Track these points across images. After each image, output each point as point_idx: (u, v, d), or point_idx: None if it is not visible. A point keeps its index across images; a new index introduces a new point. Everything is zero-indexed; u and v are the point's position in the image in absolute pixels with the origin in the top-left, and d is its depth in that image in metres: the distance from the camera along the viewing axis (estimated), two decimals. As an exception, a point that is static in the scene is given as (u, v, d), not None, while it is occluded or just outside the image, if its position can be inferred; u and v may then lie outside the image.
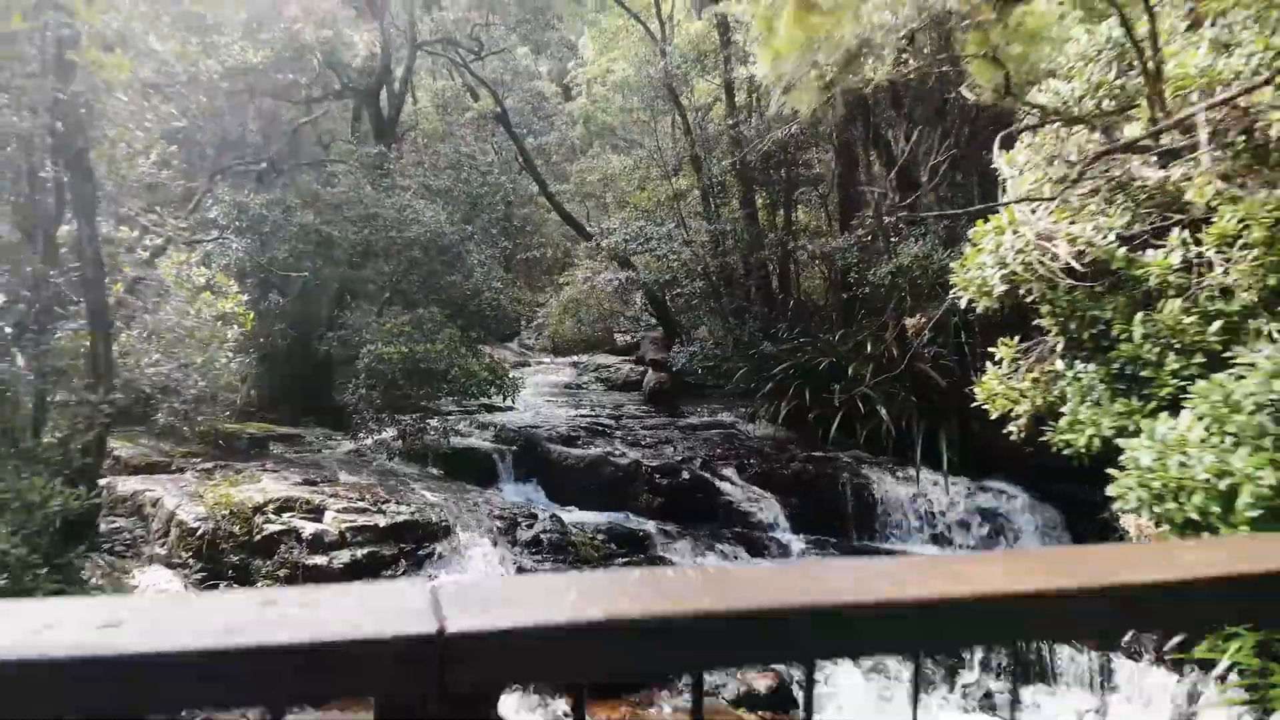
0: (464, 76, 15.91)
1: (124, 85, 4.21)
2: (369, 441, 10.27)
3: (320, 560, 7.67)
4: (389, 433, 10.12)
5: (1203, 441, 2.87)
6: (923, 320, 7.73)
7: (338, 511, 8.13)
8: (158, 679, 0.69)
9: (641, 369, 15.97)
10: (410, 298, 10.89)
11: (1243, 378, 2.85)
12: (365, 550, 7.87)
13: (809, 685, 1.00)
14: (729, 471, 10.71)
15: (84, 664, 0.67)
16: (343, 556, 7.82)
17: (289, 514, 8.00)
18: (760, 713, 6.91)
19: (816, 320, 13.12)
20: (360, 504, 8.39)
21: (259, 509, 7.90)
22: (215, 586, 7.10)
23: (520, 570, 7.96)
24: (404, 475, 9.82)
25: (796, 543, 9.65)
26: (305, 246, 9.99)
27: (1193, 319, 3.28)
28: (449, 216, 11.33)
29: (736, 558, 9.23)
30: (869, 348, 10.57)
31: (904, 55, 3.68)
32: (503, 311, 12.71)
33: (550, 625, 0.75)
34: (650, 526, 9.32)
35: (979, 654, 7.48)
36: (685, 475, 10.17)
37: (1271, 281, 3.17)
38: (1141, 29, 3.42)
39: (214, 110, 5.33)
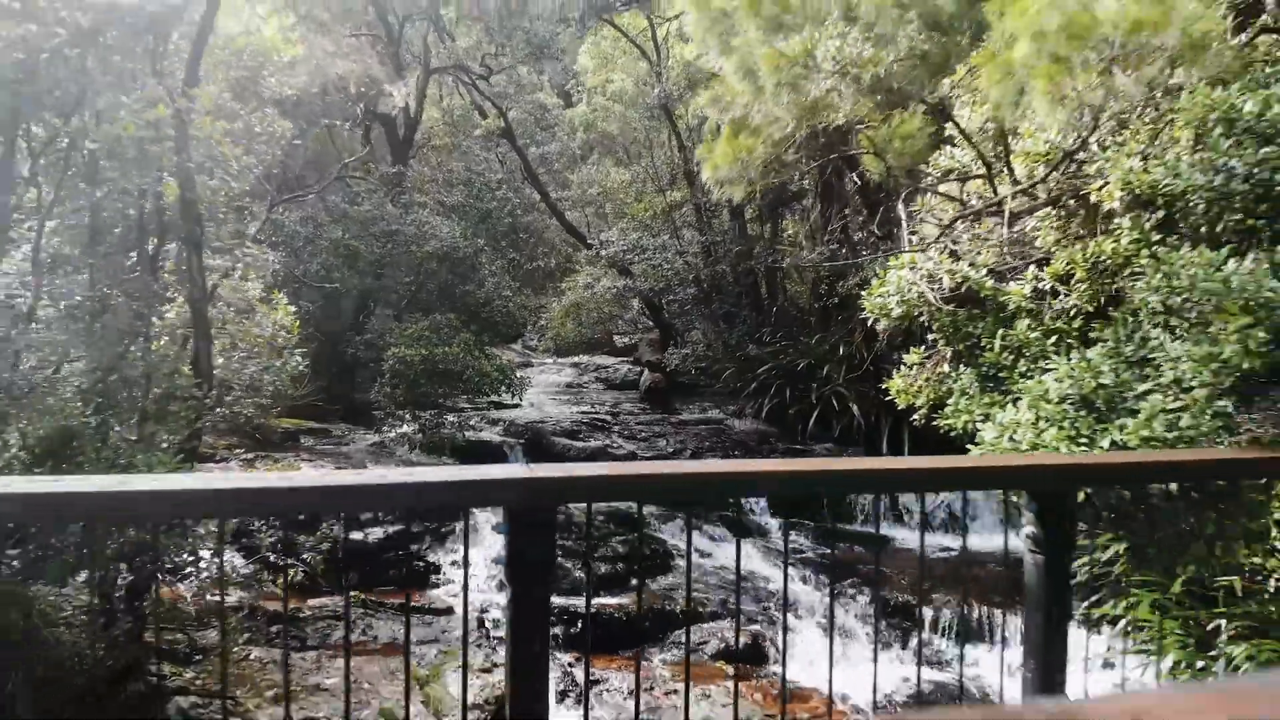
0: (472, 95, 17.04)
1: (219, 140, 5.37)
2: (391, 435, 11.40)
3: (357, 535, 8.80)
4: (409, 427, 11.24)
5: (1030, 424, 4.05)
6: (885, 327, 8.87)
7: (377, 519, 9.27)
8: (393, 496, 1.85)
9: (638, 369, 17.11)
10: (428, 305, 12.02)
11: (1057, 379, 4.03)
12: (395, 528, 9.02)
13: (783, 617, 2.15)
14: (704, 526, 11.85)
15: (346, 490, 1.83)
16: (376, 533, 8.96)
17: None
18: (738, 664, 8.05)
19: (798, 325, 14.26)
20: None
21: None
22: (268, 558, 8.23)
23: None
24: (424, 465, 10.97)
25: (774, 523, 10.80)
26: (334, 259, 11.14)
27: (1036, 334, 4.44)
28: (463, 231, 12.48)
29: (720, 538, 10.38)
30: (841, 350, 11.72)
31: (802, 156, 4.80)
32: (510, 317, 13.84)
33: (581, 475, 1.90)
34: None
35: (929, 614, 8.60)
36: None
37: (1090, 308, 4.34)
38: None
39: (271, 149, 6.42)
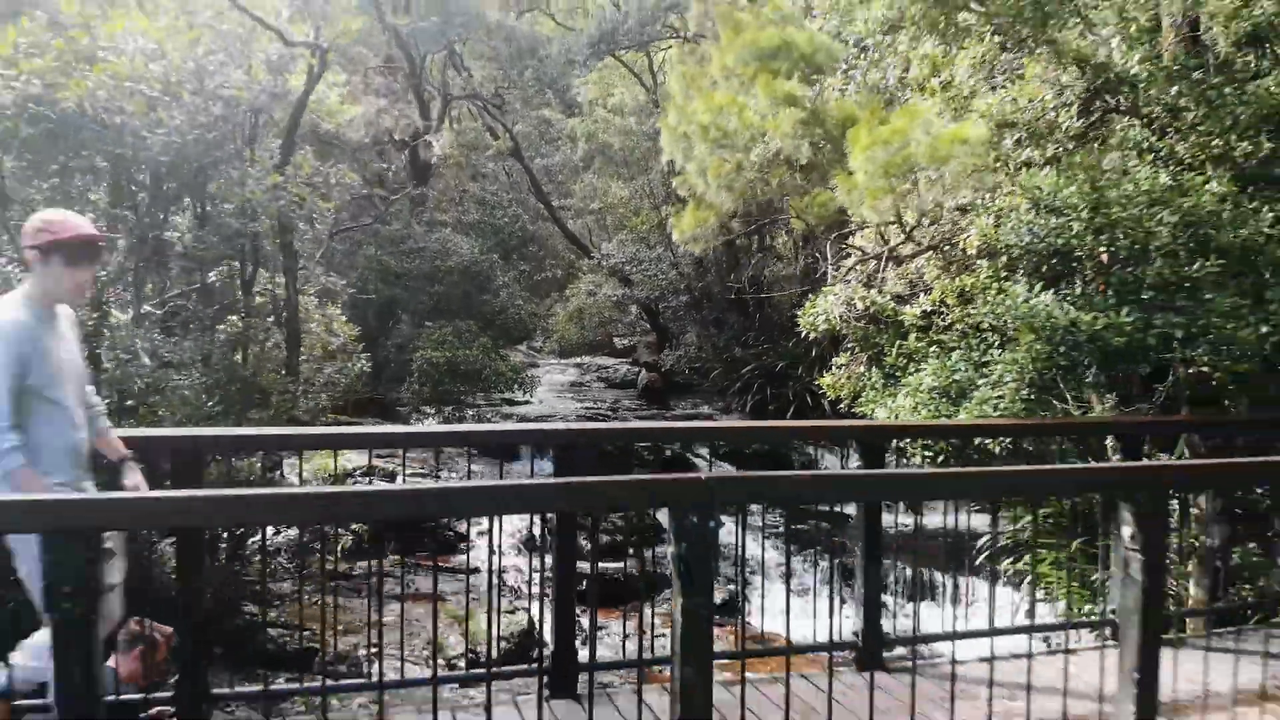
0: (484, 118, 18.63)
1: (308, 194, 6.99)
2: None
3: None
4: (434, 420, 12.83)
5: (909, 408, 5.66)
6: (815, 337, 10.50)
7: (407, 476, 10.84)
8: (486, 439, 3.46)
9: (636, 369, 18.71)
10: (449, 312, 13.62)
11: (928, 375, 5.64)
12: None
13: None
14: (704, 450, 13.44)
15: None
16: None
17: (370, 476, 10.73)
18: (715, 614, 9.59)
19: (779, 330, 15.84)
20: (421, 471, 11.12)
21: (349, 473, 10.63)
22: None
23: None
24: (448, 453, 12.55)
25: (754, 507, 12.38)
26: (369, 274, 12.73)
27: (922, 344, 6.05)
28: (480, 246, 14.08)
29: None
30: (813, 353, 13.30)
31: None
32: (521, 323, 15.44)
33: (603, 429, 3.51)
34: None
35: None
36: (668, 452, 12.89)
37: (959, 327, 5.95)
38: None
39: (341, 195, 7.99)
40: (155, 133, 5.72)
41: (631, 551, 10.61)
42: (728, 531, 10.75)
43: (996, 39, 4.80)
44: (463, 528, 10.74)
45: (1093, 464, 5.11)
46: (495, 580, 4.24)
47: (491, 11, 13.78)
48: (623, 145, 20.32)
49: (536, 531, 10.49)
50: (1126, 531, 2.68)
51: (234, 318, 6.97)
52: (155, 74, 5.90)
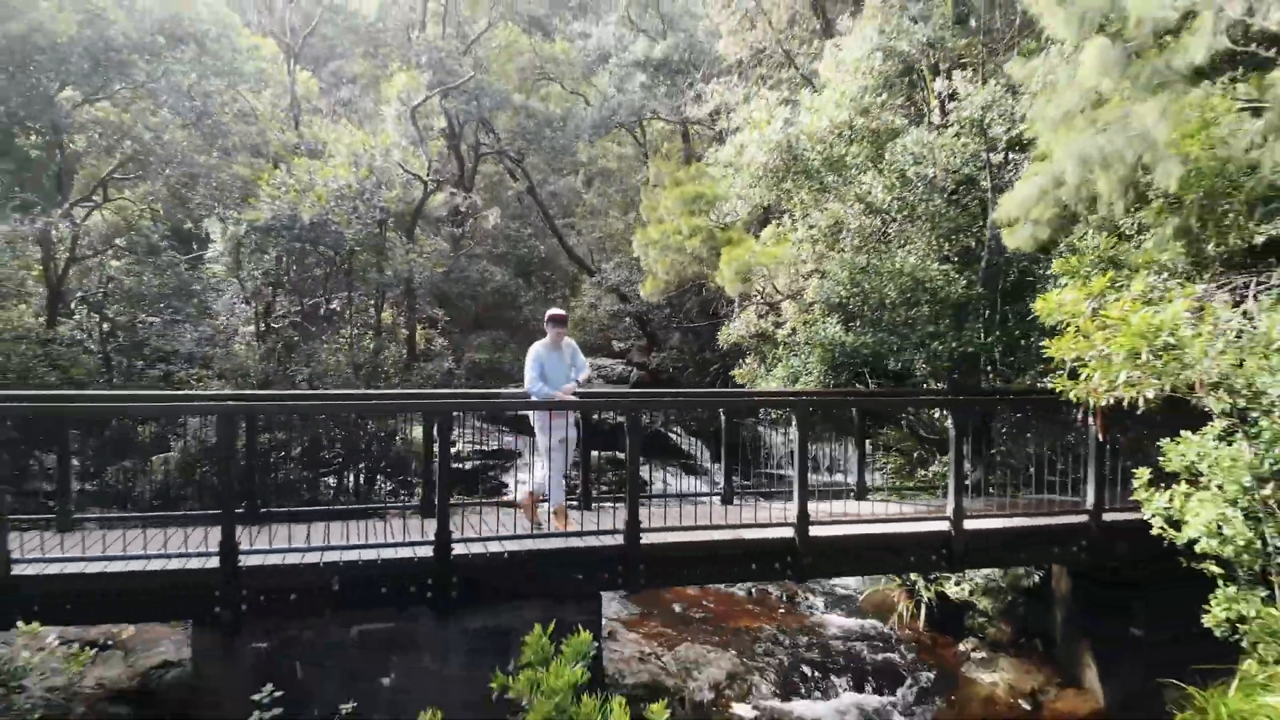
0: (505, 163, 23.00)
1: (420, 259, 11.42)
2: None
3: (457, 465, 14.76)
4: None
5: (776, 385, 10.13)
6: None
7: (463, 443, 15.24)
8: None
9: (629, 367, 23.07)
10: (485, 324, 18.02)
11: (784, 368, 10.13)
12: (478, 461, 15.00)
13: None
14: (678, 429, 17.85)
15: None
16: (466, 465, 14.93)
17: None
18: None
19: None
20: (471, 440, 15.50)
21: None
22: (409, 477, 14.20)
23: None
24: (488, 429, 16.92)
25: (717, 468, 16.77)
26: (429, 297, 17.10)
27: (781, 351, 10.52)
28: (508, 273, 18.45)
29: (680, 475, 16.34)
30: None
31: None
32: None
33: (612, 393, 7.95)
34: (630, 457, 16.47)
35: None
36: (650, 429, 17.28)
37: (801, 341, 10.41)
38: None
39: (432, 258, 12.44)
40: (350, 230, 10.16)
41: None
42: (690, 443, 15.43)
43: (812, 192, 9.15)
44: (505, 478, 15.14)
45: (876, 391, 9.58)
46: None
47: (517, 96, 18.12)
48: (618, 168, 24.62)
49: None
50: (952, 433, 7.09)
51: (369, 334, 11.40)
52: (346, 195, 10.33)
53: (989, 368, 9.64)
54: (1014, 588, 9.57)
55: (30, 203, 12.42)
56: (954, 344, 9.09)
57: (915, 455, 10.61)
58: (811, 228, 9.41)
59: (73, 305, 12.59)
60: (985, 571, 9.80)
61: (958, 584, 9.95)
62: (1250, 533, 5.60)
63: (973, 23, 9.38)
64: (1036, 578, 9.41)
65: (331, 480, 10.37)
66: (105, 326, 12.28)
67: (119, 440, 9.99)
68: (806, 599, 11.18)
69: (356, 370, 10.89)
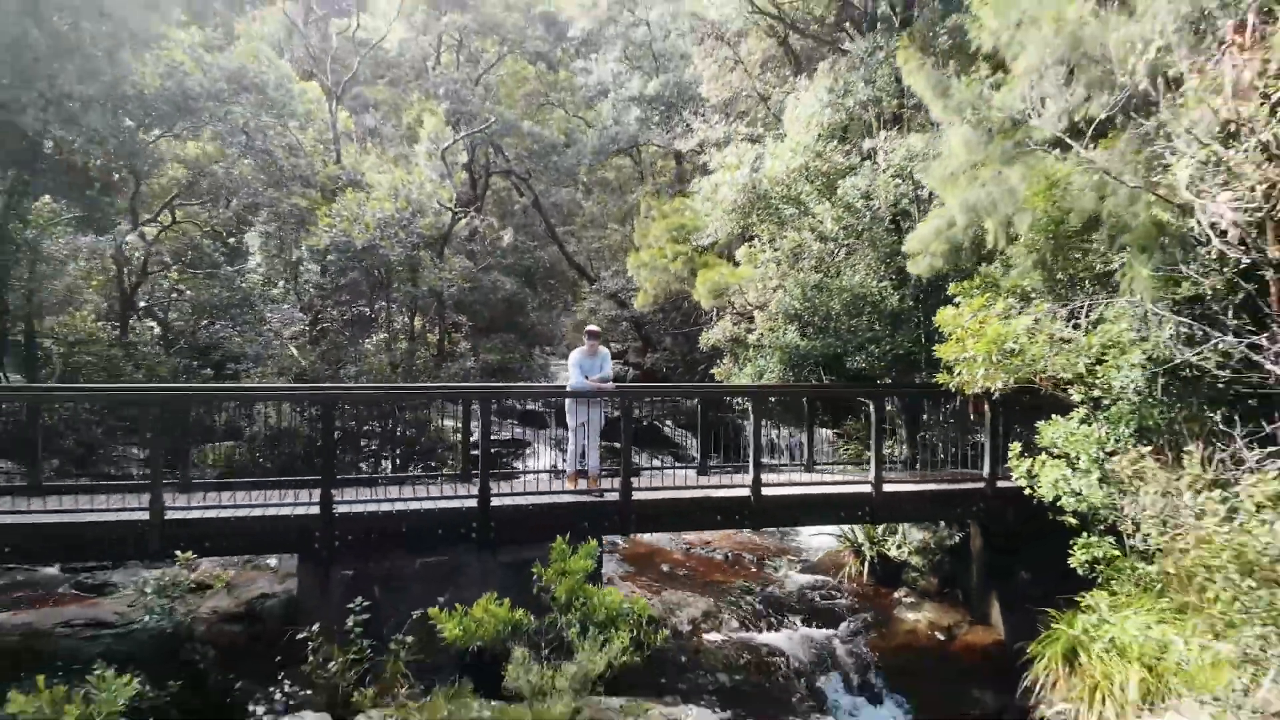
0: (512, 180, 25.07)
1: (452, 276, 13.52)
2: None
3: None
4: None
5: (744, 380, 12.24)
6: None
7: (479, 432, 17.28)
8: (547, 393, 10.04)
9: (626, 367, 25.14)
10: (497, 329, 20.09)
11: (752, 366, 12.24)
12: (496, 449, 17.05)
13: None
14: (669, 422, 19.95)
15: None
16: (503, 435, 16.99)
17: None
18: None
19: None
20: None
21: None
22: (433, 462, 16.30)
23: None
24: (503, 422, 19.01)
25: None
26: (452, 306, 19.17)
27: (751, 353, 12.63)
28: (516, 283, 20.52)
29: (671, 461, 18.41)
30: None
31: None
32: (544, 334, 21.90)
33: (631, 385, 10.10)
34: (626, 446, 18.55)
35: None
36: (644, 422, 19.38)
37: (767, 345, 12.54)
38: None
39: (458, 275, 14.60)
40: (393, 253, 12.25)
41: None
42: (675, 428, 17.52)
43: (774, 223, 11.21)
44: (530, 449, 17.21)
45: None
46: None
47: (525, 123, 20.22)
48: (615, 179, 26.69)
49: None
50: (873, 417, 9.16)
51: (402, 338, 13.48)
52: (389, 223, 12.41)
53: (921, 368, 11.72)
54: (940, 547, 11.66)
55: (111, 222, 14.51)
56: (888, 347, 11.17)
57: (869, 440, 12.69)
58: (776, 250, 11.50)
59: (139, 313, 14.65)
60: (919, 535, 11.89)
61: (898, 547, 12.02)
62: (1101, 493, 7.66)
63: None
64: (958, 539, 11.48)
65: (384, 454, 12.46)
66: (168, 333, 14.33)
67: (200, 427, 12.05)
68: (773, 562, 13.24)
69: (394, 368, 12.96)
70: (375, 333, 13.54)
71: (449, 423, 13.60)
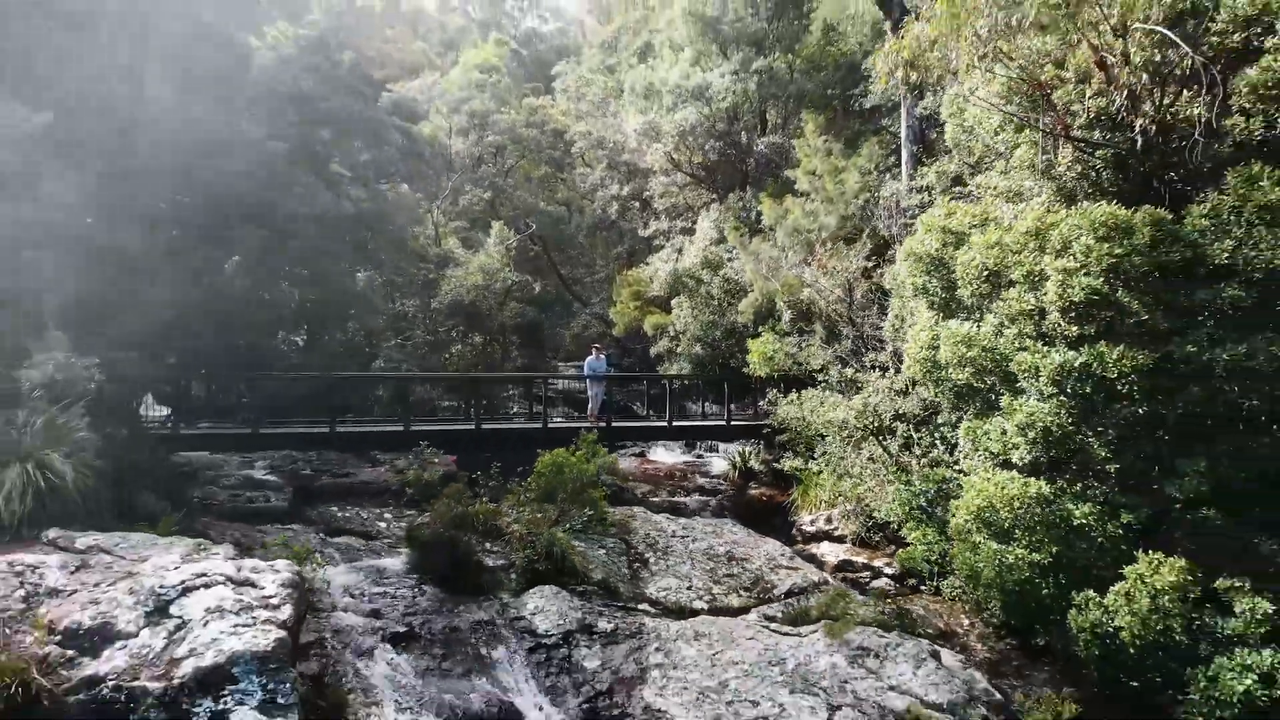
0: (530, 239, 35.42)
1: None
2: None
3: (524, 417, 27.14)
4: (518, 389, 29.64)
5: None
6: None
7: (518, 407, 27.61)
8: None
9: (609, 367, 35.53)
10: (524, 341, 30.47)
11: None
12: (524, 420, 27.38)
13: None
14: (639, 403, 30.39)
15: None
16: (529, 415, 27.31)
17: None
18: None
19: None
20: (522, 408, 27.86)
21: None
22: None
23: (568, 418, 27.73)
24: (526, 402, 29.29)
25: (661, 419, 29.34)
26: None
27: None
28: (535, 311, 30.86)
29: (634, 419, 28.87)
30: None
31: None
32: (556, 346, 32.27)
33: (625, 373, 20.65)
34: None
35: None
36: (621, 403, 29.85)
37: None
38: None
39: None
40: (482, 304, 22.75)
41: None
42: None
43: (687, 291, 21.55)
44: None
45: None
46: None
47: (542, 204, 30.48)
48: (618, 215, 37.12)
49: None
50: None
51: (483, 346, 23.98)
52: (478, 286, 22.86)
53: (747, 365, 22.32)
54: (765, 464, 22.15)
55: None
56: (738, 356, 21.74)
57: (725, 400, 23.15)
58: (690, 303, 21.91)
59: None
60: (764, 456, 22.35)
61: (759, 460, 22.48)
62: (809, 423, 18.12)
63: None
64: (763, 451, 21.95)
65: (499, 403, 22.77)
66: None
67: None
68: (691, 475, 23.65)
69: (475, 366, 23.38)
70: (464, 345, 23.82)
71: (516, 390, 23.92)
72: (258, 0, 15.77)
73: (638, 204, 28.62)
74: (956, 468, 13.59)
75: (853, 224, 16.74)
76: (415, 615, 12.20)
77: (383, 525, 16.90)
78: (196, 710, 7.83)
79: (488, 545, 14.26)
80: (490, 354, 23.80)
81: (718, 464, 24.45)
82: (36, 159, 12.09)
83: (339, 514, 17.39)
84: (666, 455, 24.85)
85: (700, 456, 25.13)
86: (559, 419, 21.46)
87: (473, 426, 18.35)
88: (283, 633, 8.33)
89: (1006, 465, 11.90)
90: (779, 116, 22.55)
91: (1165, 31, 9.25)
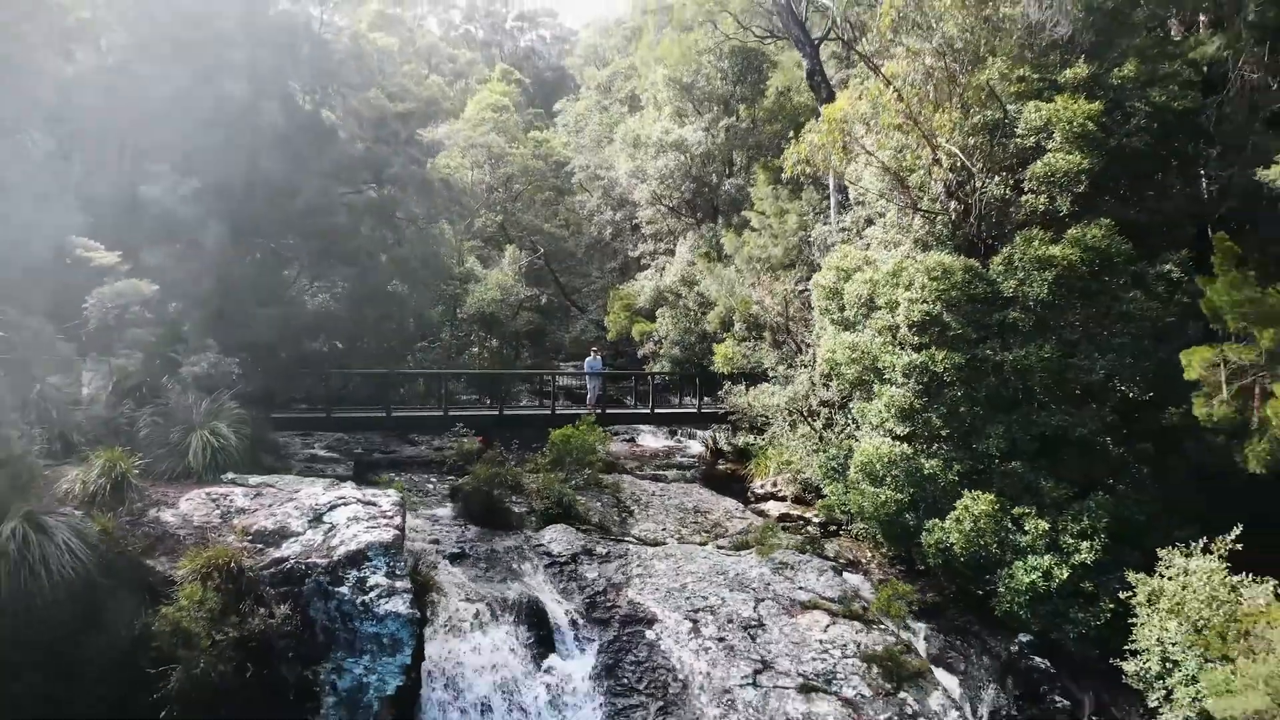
0: (535, 256, 40.35)
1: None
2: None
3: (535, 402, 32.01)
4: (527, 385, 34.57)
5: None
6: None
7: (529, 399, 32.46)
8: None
9: (605, 366, 40.45)
10: (531, 345, 35.41)
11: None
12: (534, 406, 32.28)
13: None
14: (630, 398, 35.33)
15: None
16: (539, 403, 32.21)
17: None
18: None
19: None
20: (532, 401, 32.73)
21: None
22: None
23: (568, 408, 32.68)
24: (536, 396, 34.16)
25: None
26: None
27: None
28: (539, 318, 35.78)
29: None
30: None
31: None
32: (560, 348, 37.19)
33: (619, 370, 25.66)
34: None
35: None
36: (614, 397, 34.79)
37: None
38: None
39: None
40: (501, 314, 27.72)
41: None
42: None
43: (669, 305, 26.36)
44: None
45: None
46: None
47: (546, 225, 35.41)
48: (614, 238, 42.11)
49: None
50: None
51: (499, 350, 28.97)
52: (496, 299, 27.81)
53: (714, 364, 27.35)
54: (732, 445, 27.09)
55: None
56: (708, 354, 26.70)
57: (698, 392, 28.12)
58: (670, 314, 26.80)
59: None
60: (735, 439, 27.25)
61: (727, 441, 27.40)
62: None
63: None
64: (730, 434, 26.89)
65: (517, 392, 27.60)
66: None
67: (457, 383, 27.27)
68: (670, 455, 28.55)
69: (492, 364, 28.33)
70: (481, 347, 28.69)
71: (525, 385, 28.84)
72: (334, 77, 20.57)
73: (628, 227, 33.56)
74: (856, 438, 18.56)
75: (792, 255, 21.61)
76: (465, 543, 17.15)
77: (429, 487, 21.77)
78: (347, 575, 12.67)
79: (513, 497, 19.13)
80: (504, 355, 28.70)
81: (695, 447, 29.36)
82: (186, 215, 17.01)
83: (394, 478, 22.24)
84: (652, 440, 29.75)
85: (680, 441, 30.00)
86: (561, 410, 26.29)
87: (497, 412, 23.24)
88: (398, 531, 13.21)
89: (885, 434, 16.86)
90: (742, 160, 27.46)
91: (957, 151, 14.22)
